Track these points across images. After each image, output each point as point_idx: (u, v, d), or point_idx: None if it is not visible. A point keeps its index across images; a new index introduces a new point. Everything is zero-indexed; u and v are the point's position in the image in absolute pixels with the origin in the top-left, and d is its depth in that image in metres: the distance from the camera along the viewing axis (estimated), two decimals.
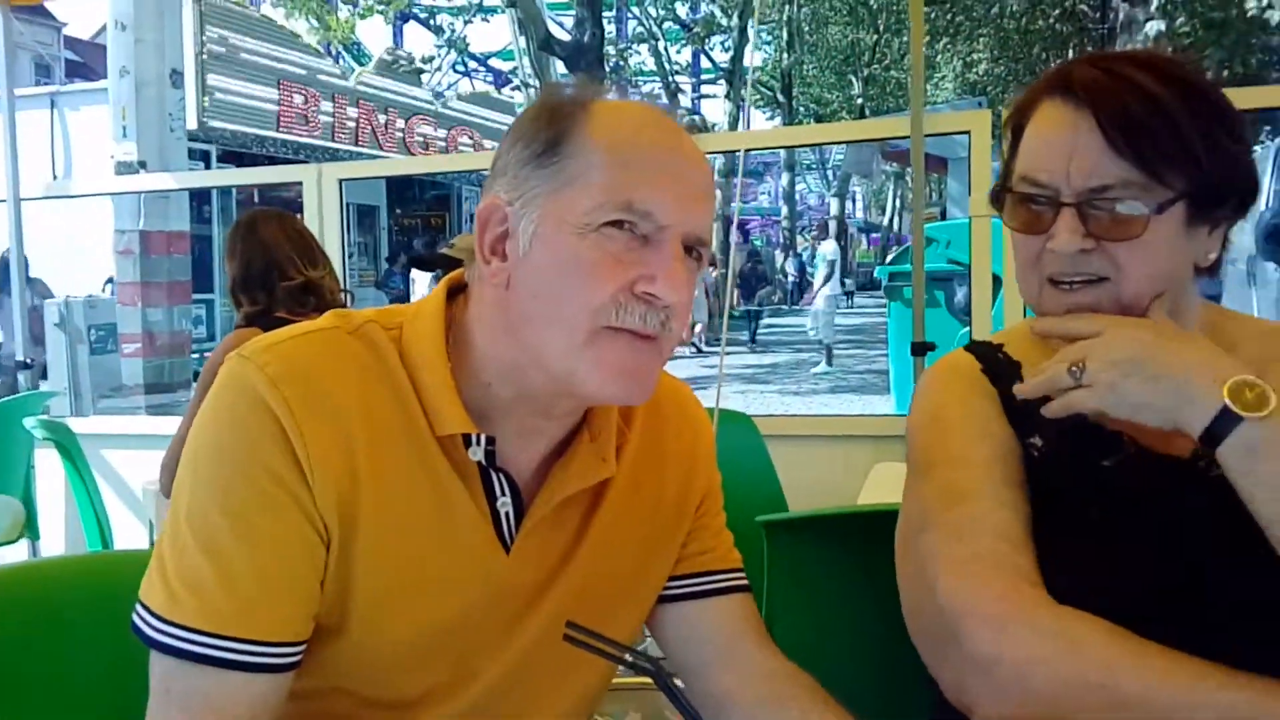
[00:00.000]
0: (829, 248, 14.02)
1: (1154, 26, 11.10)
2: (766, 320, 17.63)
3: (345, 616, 0.86)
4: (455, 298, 0.93)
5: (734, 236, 6.98)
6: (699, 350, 14.68)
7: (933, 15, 17.31)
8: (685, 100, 24.62)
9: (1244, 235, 7.63)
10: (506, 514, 0.90)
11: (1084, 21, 15.85)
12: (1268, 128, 8.58)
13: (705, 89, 28.14)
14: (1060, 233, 0.93)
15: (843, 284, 26.66)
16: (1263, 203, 7.13)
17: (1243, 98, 4.66)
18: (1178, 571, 0.91)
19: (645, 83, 24.78)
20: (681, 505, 1.02)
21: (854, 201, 34.77)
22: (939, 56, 19.76)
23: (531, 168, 0.86)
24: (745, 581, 1.04)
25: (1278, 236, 6.16)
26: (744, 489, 2.24)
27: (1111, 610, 0.85)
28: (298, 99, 14.20)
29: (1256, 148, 7.34)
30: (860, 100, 24.81)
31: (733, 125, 19.87)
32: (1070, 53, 17.25)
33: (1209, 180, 0.93)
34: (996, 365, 1.05)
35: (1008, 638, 0.84)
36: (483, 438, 0.87)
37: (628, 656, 0.76)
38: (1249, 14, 10.54)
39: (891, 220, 34.69)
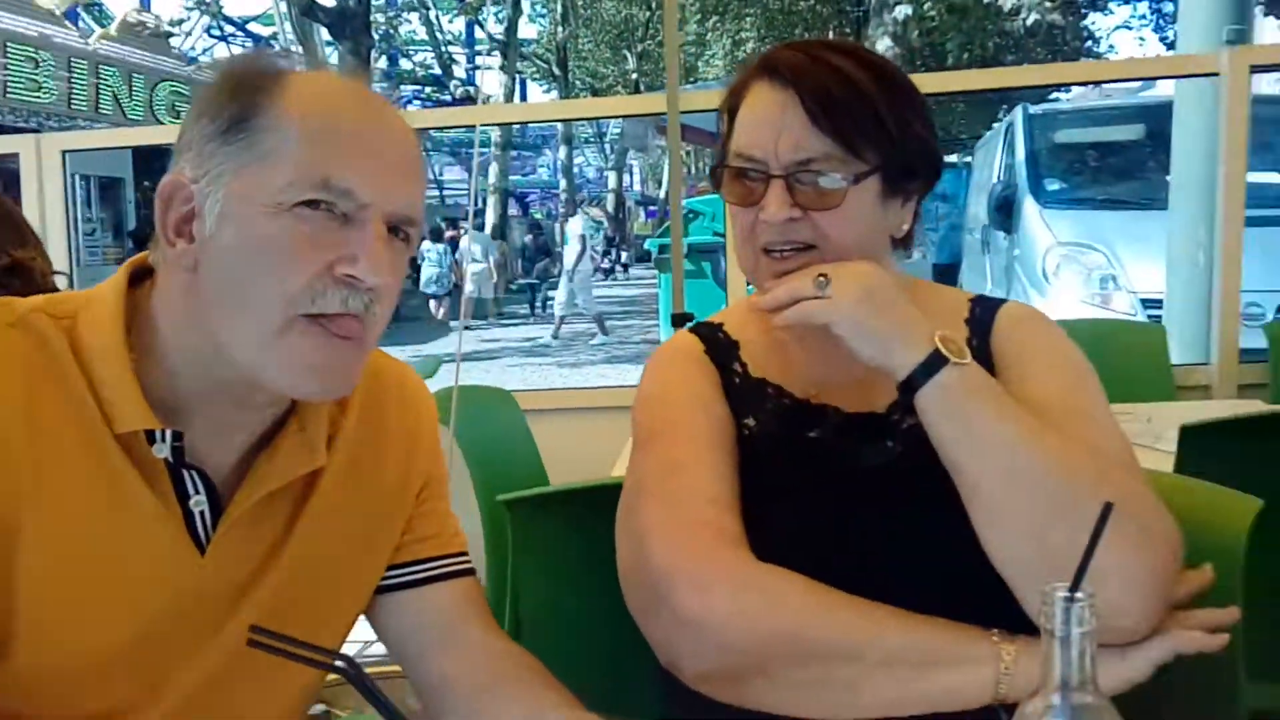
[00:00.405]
0: (577, 225, 14.17)
1: (902, 10, 11.80)
2: (548, 292, 17.67)
3: (9, 636, 0.79)
4: (142, 282, 0.87)
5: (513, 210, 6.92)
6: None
7: None
8: (459, 71, 24.13)
9: (979, 207, 8.29)
10: (201, 513, 0.85)
11: (841, 4, 16.66)
12: (1005, 106, 9.30)
13: (480, 60, 27.73)
14: (770, 203, 0.99)
15: (619, 256, 27.09)
16: (994, 175, 7.75)
17: (981, 78, 5.05)
18: (873, 521, 0.98)
19: (417, 52, 24.18)
20: (402, 492, 0.99)
21: (631, 175, 35.25)
22: (709, 34, 20.27)
23: (217, 143, 0.80)
24: (468, 565, 1.02)
25: (1006, 208, 6.69)
26: (503, 466, 2.24)
27: (814, 564, 0.91)
28: (27, 64, 12.97)
29: (994, 124, 7.95)
30: (635, 75, 25.13)
31: (509, 98, 19.69)
32: (830, 33, 18.14)
33: (900, 156, 1.01)
34: (717, 345, 1.11)
35: (711, 596, 0.88)
36: (168, 433, 0.81)
37: (318, 658, 0.72)
38: (985, 1, 11.38)
39: (667, 194, 35.39)
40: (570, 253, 13.26)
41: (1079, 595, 0.61)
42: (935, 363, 0.90)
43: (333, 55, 16.41)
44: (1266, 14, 13.45)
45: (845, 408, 1.04)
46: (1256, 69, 2.89)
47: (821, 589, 0.89)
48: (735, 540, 0.94)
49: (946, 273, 11.36)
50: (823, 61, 1.00)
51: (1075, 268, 5.95)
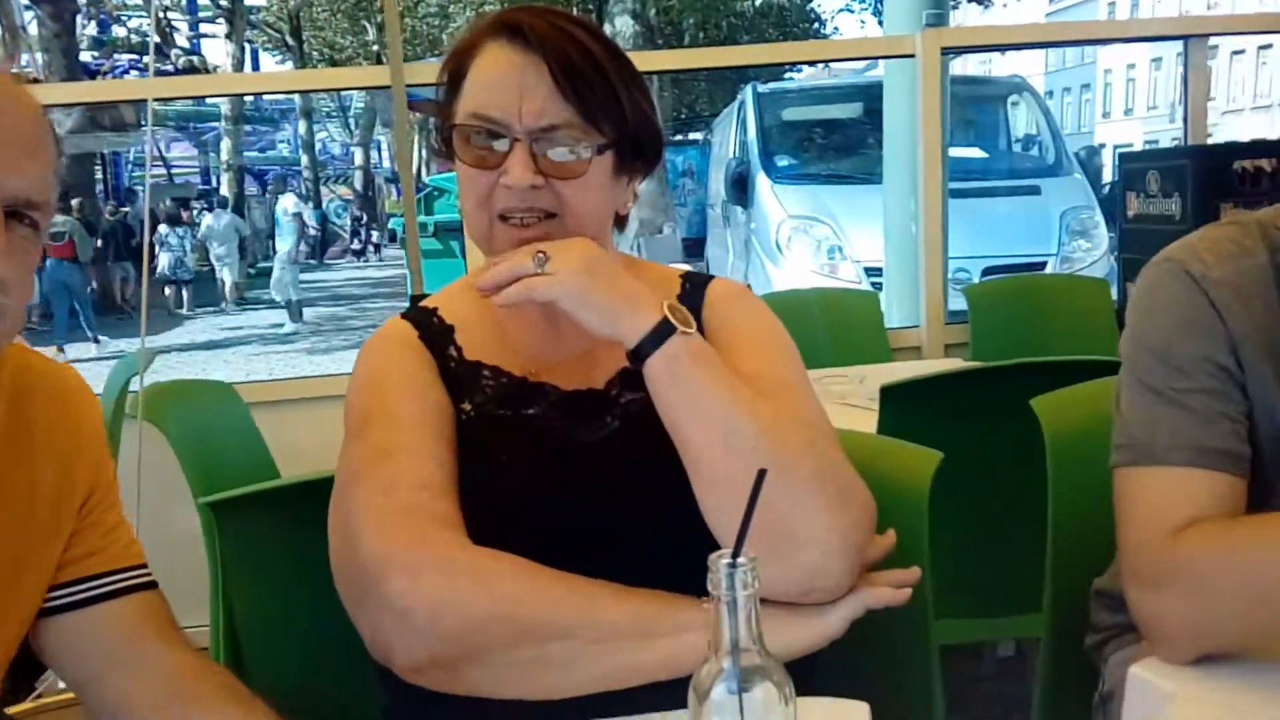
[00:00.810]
0: (289, 203, 13.66)
1: None
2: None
3: None
4: None
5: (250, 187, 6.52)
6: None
7: None
8: (181, 40, 22.45)
9: (719, 182, 8.61)
10: None
11: None
12: (743, 84, 9.64)
13: (204, 28, 25.91)
14: (513, 168, 0.96)
15: (369, 236, 26.24)
16: (730, 152, 8.07)
17: (718, 56, 5.21)
18: (592, 497, 0.98)
19: (130, 18, 22.27)
20: (59, 506, 0.90)
21: (380, 151, 34.09)
22: (452, 6, 19.85)
23: None
24: (145, 579, 0.94)
25: (741, 183, 6.99)
26: (223, 465, 2.11)
27: (533, 543, 0.90)
28: None
29: (734, 103, 8.22)
30: (376, 47, 24.31)
31: (237, 67, 18.54)
32: (572, 8, 18.21)
33: (632, 133, 1.01)
34: (431, 330, 1.08)
35: (421, 583, 0.86)
36: None
37: None
38: None
39: (419, 170, 34.58)
40: (285, 233, 12.72)
41: (741, 560, 0.63)
42: (664, 331, 0.90)
43: (32, 23, 14.85)
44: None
45: (564, 385, 1.04)
46: (948, 51, 3.13)
47: (534, 568, 0.89)
48: (448, 524, 0.92)
49: (695, 247, 11.76)
50: (564, 31, 0.98)
51: (805, 239, 6.31)
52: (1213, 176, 2.81)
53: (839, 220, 6.24)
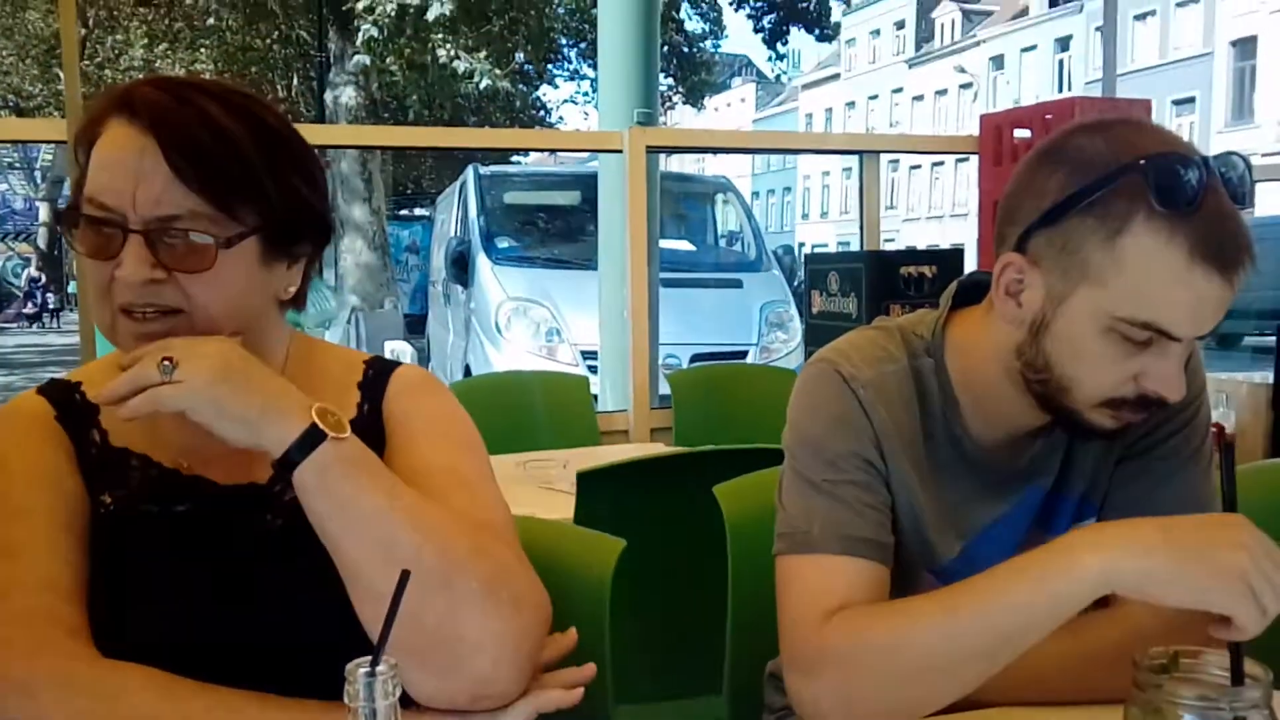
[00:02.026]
0: None
1: (359, 61, 11.86)
2: None
3: None
4: None
5: None
6: None
7: (150, 18, 16.42)
8: None
9: (440, 259, 8.56)
10: None
11: (304, 47, 16.34)
12: (471, 164, 9.67)
13: None
14: (127, 262, 0.88)
15: (44, 300, 23.91)
16: (452, 230, 8.06)
17: (432, 136, 5.21)
18: (247, 602, 0.91)
19: None
20: None
21: None
22: (159, 62, 18.73)
23: None
24: None
25: (462, 262, 6.99)
26: None
27: (182, 652, 0.84)
28: None
29: (458, 182, 8.22)
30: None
31: None
32: (294, 77, 17.72)
33: (281, 216, 0.94)
34: (71, 409, 0.97)
35: (39, 704, 0.78)
36: None
37: None
38: (440, 61, 11.85)
39: None
40: None
41: (381, 669, 0.60)
42: (312, 438, 0.83)
43: None
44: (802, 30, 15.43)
45: (221, 480, 0.96)
46: (653, 149, 3.29)
47: (169, 681, 0.81)
48: (73, 632, 0.83)
49: (418, 323, 11.61)
50: (191, 104, 0.90)
51: (524, 321, 6.37)
52: (883, 279, 3.10)
53: (558, 303, 6.35)
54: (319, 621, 0.90)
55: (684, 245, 7.52)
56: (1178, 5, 26.12)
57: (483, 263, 6.81)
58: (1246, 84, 24.27)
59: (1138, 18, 26.89)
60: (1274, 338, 3.44)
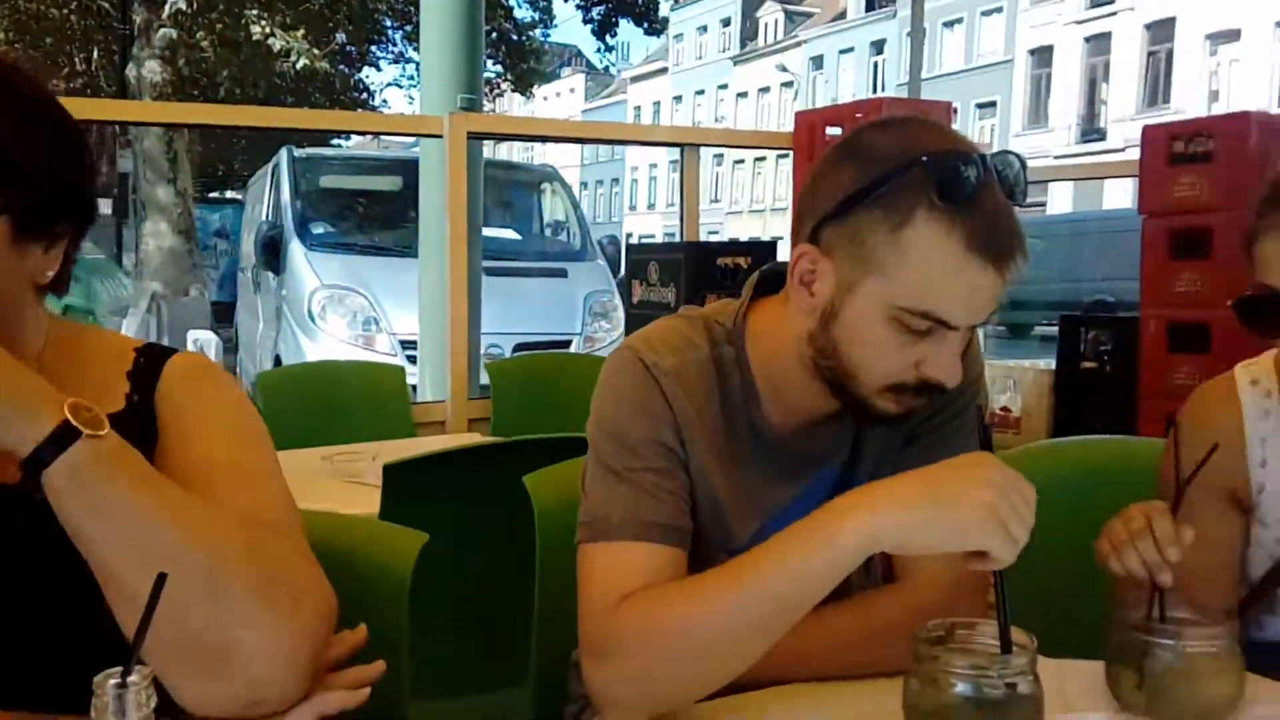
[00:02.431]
0: None
1: (165, 34, 11.21)
2: None
3: None
4: None
5: None
6: None
7: None
8: None
9: (250, 245, 8.18)
10: None
11: (106, 19, 15.29)
12: (284, 147, 9.26)
13: None
14: None
15: None
16: (264, 214, 7.71)
17: (243, 115, 4.96)
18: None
19: None
20: None
21: None
22: None
23: None
24: None
25: (274, 248, 6.69)
26: None
27: None
28: None
29: (270, 164, 7.86)
30: None
31: None
32: (94, 49, 16.55)
33: (35, 194, 0.87)
34: None
35: None
36: None
37: None
38: (254, 38, 11.32)
39: None
40: None
41: (133, 679, 0.55)
42: (66, 436, 0.76)
43: None
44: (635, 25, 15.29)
45: None
46: (474, 135, 3.23)
47: None
48: None
49: (226, 311, 11.07)
50: None
51: (340, 309, 6.16)
52: (701, 270, 3.15)
53: (376, 291, 6.17)
54: (74, 630, 0.83)
55: (508, 234, 7.45)
56: (983, 14, 27.71)
57: (296, 248, 6.54)
58: (1043, 90, 26.00)
59: (946, 24, 28.39)
60: (1058, 327, 3.70)
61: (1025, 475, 1.69)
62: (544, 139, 3.69)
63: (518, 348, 5.94)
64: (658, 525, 1.02)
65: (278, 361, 6.55)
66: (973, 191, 0.95)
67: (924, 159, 0.96)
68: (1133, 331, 3.02)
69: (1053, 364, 3.51)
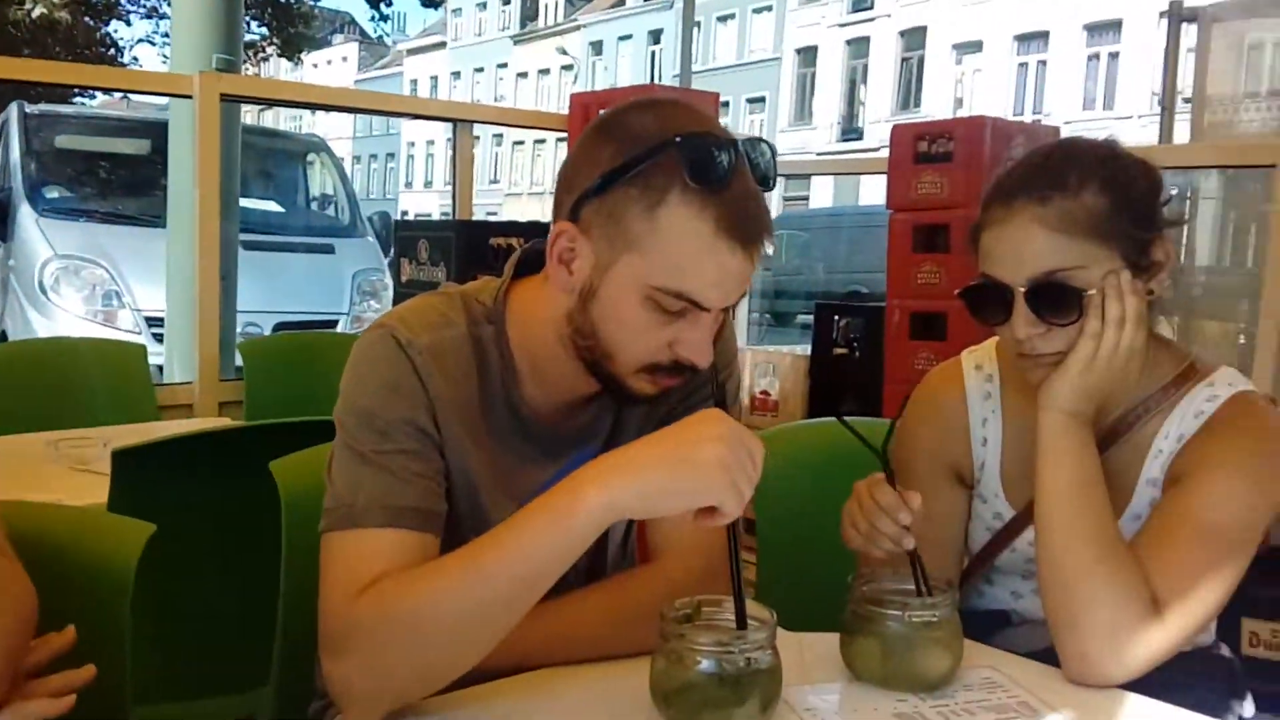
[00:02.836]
0: None
1: None
2: None
3: None
4: None
5: None
6: None
7: None
8: None
9: None
10: None
11: None
12: (14, 102, 8.36)
13: None
14: None
15: None
16: None
17: None
18: None
19: None
20: None
21: None
22: None
23: None
24: None
25: (1, 214, 6.05)
26: None
27: None
28: None
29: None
30: None
31: None
32: None
33: None
34: None
35: None
36: None
37: None
38: None
39: None
40: None
41: None
42: None
43: None
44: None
45: None
46: (227, 98, 3.03)
47: None
48: None
49: None
50: None
51: (76, 283, 5.66)
52: (473, 249, 3.09)
53: (119, 264, 5.70)
54: None
55: (270, 206, 7.07)
56: (754, 11, 28.73)
57: (26, 214, 5.94)
58: (808, 89, 27.26)
59: (720, 19, 29.26)
60: (813, 316, 3.89)
61: (779, 455, 1.77)
62: (306, 105, 3.51)
63: (279, 327, 5.64)
64: (406, 510, 0.98)
65: (3, 337, 5.94)
66: (724, 175, 0.97)
67: (678, 140, 0.97)
68: (880, 320, 3.21)
69: (809, 349, 3.69)
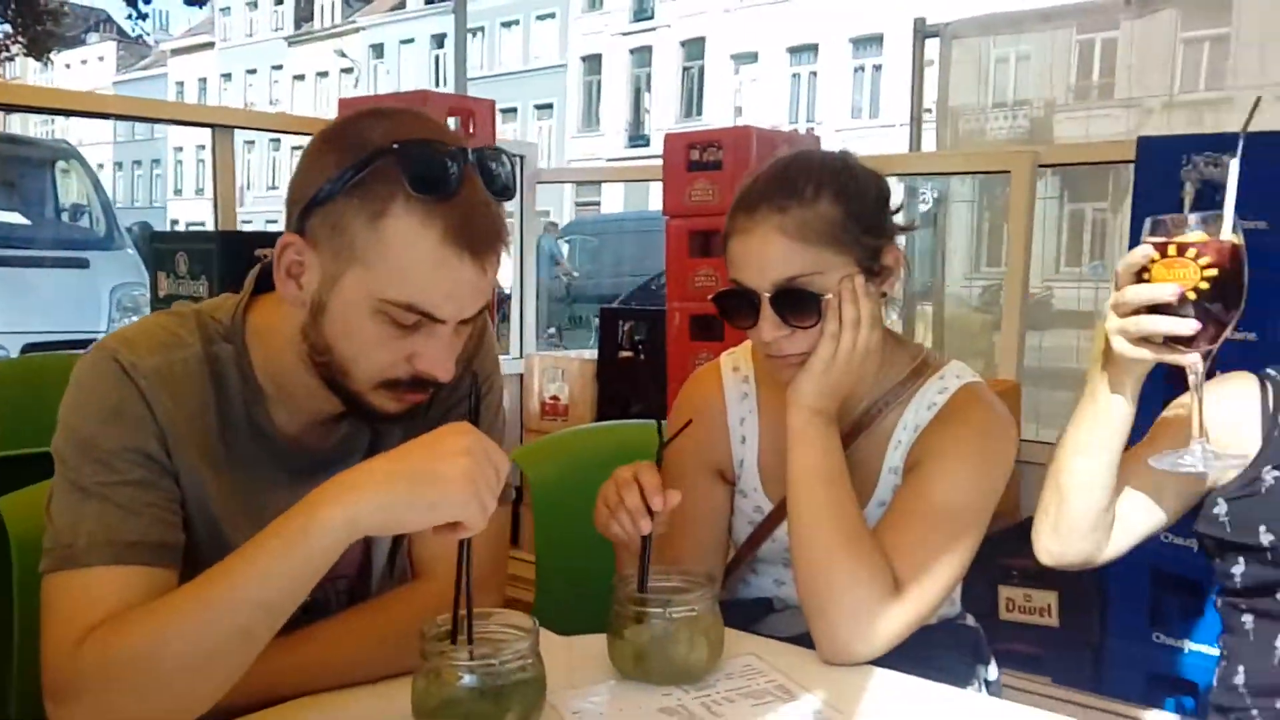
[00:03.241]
0: None
1: None
2: None
3: None
4: None
5: None
6: None
7: None
8: None
9: None
10: None
11: None
12: None
13: None
14: None
15: None
16: None
17: None
18: None
19: None
20: None
21: None
22: None
23: None
24: None
25: None
26: None
27: None
28: None
29: None
30: None
31: None
32: None
33: None
34: None
35: None
36: None
37: None
38: None
39: None
40: None
41: None
42: None
43: None
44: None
45: None
46: None
47: None
48: None
49: None
50: None
51: None
52: (237, 261, 2.94)
53: None
54: None
55: (15, 218, 6.50)
56: (537, 18, 28.78)
57: None
58: (595, 96, 27.57)
59: (505, 25, 29.15)
60: (599, 320, 3.93)
61: (564, 458, 1.78)
62: (38, 110, 3.23)
63: (28, 349, 5.20)
64: (134, 545, 0.92)
65: None
66: (449, 183, 0.95)
67: (395, 147, 0.95)
68: (662, 323, 3.28)
69: (596, 354, 3.74)
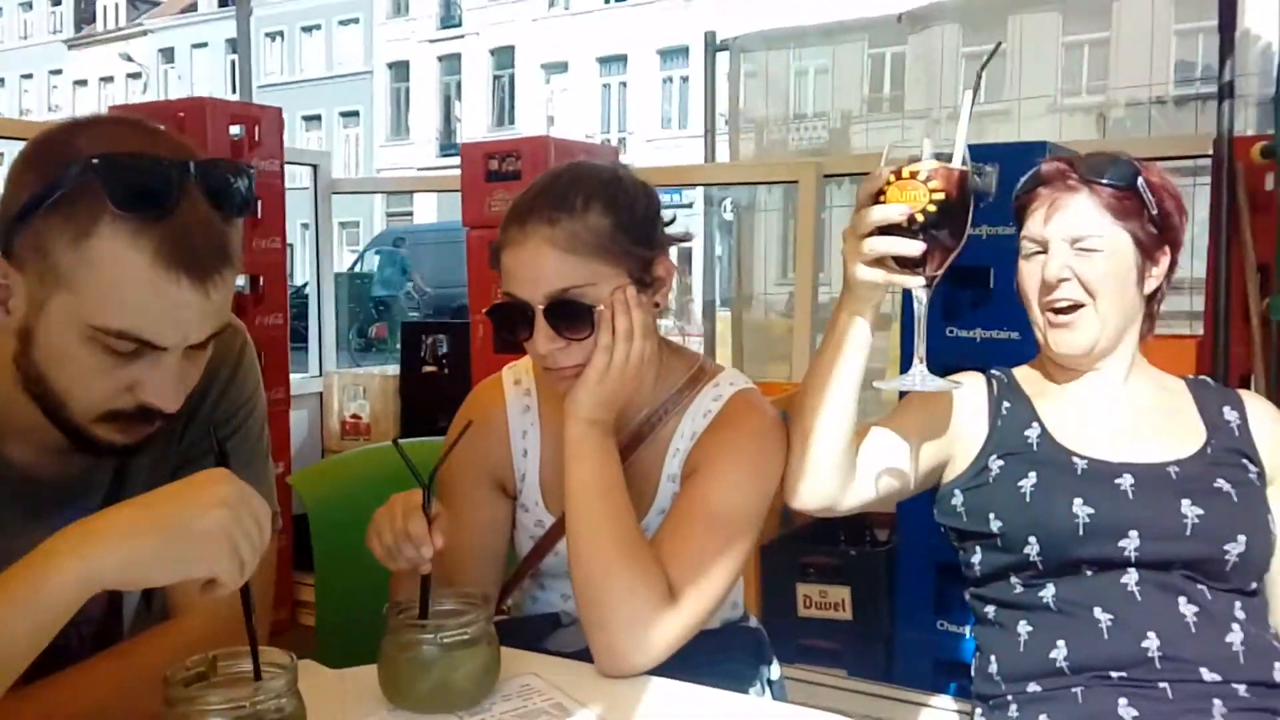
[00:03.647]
0: None
1: None
2: None
3: None
4: None
5: None
6: None
7: None
8: None
9: None
10: None
11: None
12: None
13: None
14: None
15: None
16: None
17: None
18: None
19: None
20: None
21: None
22: None
23: None
24: None
25: None
26: None
27: None
28: None
29: None
30: None
31: None
32: None
33: None
34: None
35: None
36: None
37: None
38: None
39: None
40: None
41: None
42: None
43: None
44: None
45: None
46: None
47: None
48: None
49: None
50: None
51: None
52: None
53: None
54: None
55: None
56: (340, 23, 27.95)
57: None
58: (403, 104, 27.00)
59: (305, 29, 28.17)
60: (400, 335, 3.84)
61: (358, 476, 1.71)
62: None
63: None
64: None
65: None
66: (160, 199, 0.88)
67: (96, 161, 0.87)
68: (466, 336, 3.24)
69: (399, 369, 3.65)
